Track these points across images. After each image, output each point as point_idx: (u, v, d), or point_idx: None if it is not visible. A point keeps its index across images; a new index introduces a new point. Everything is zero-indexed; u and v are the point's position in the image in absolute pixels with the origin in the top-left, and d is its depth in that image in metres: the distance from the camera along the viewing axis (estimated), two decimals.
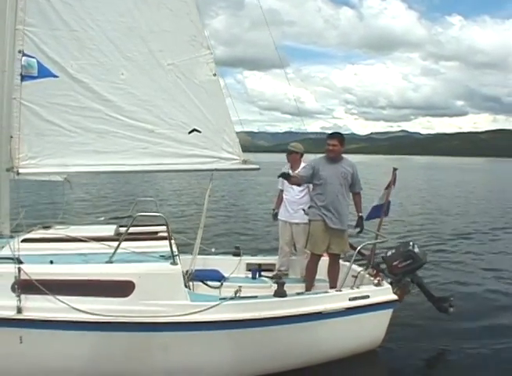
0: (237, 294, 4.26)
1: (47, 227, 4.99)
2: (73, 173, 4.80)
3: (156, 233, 5.20)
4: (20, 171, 4.54)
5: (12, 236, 4.75)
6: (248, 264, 6.07)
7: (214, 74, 5.49)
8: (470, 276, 8.63)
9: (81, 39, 4.89)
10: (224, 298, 4.18)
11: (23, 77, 4.53)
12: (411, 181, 34.10)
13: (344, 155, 5.55)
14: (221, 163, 5.49)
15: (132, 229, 5.29)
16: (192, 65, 5.41)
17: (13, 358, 3.79)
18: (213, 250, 5.99)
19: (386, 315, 4.93)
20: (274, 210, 6.47)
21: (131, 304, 3.82)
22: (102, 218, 6.25)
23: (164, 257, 4.23)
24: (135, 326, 3.80)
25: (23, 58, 4.56)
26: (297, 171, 5.74)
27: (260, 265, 6.10)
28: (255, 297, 4.49)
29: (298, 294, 4.76)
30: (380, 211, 5.63)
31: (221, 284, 5.24)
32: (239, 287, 5.34)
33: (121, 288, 3.83)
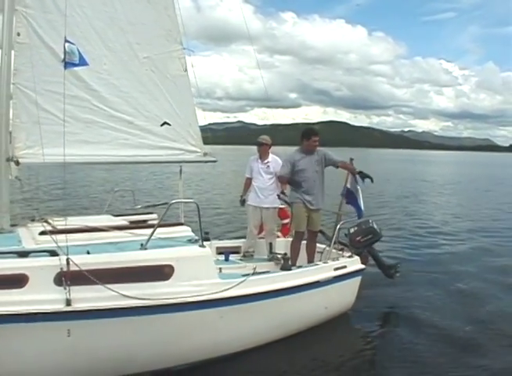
0: (255, 271, 4.73)
1: (42, 220, 4.71)
2: (70, 164, 4.63)
3: (146, 221, 5.29)
4: (20, 161, 4.29)
5: (11, 231, 4.44)
6: (218, 248, 6.39)
7: (185, 70, 5.69)
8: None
9: (70, 25, 4.71)
10: (247, 275, 4.58)
11: (66, 64, 4.28)
12: None
13: None
14: (186, 155, 5.77)
15: (126, 218, 5.31)
16: (166, 59, 5.53)
17: (61, 353, 3.68)
18: None
19: (357, 281, 5.71)
20: (242, 196, 6.81)
21: (172, 286, 3.99)
22: (139, 207, 5.96)
23: (190, 241, 4.47)
24: (180, 306, 3.98)
25: (66, 44, 4.29)
26: (278, 172, 6.23)
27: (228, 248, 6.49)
28: (268, 272, 5.02)
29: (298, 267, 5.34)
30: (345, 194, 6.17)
31: None
32: (220, 268, 5.75)
33: (162, 272, 3.99)
